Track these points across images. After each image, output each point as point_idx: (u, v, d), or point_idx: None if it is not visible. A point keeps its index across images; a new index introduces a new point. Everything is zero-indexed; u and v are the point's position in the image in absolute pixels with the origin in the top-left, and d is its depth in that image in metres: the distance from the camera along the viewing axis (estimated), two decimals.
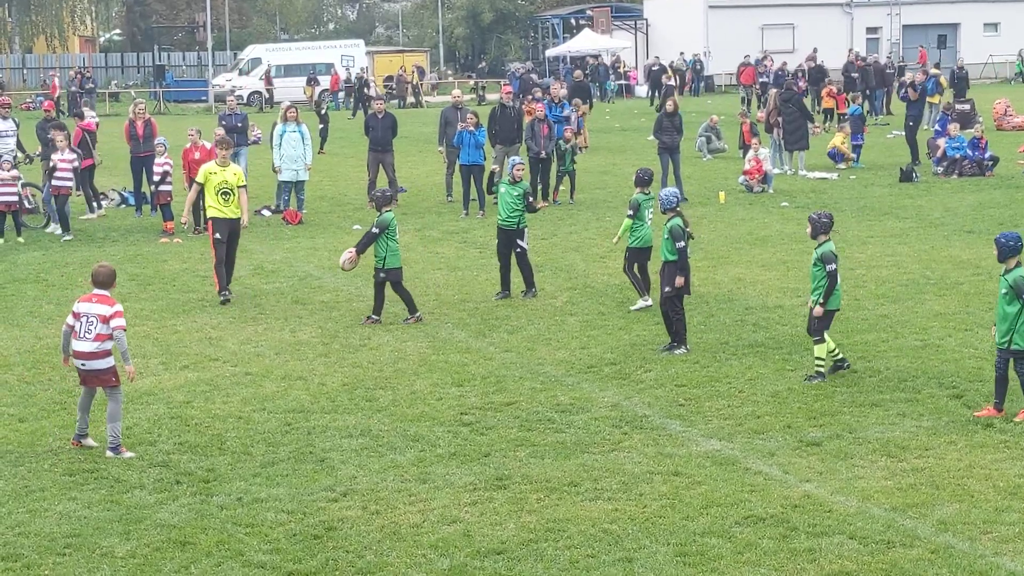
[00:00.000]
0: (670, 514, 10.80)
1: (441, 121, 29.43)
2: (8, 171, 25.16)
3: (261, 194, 30.02)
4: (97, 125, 30.53)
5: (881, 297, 18.71)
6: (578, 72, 47.44)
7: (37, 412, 14.05)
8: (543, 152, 28.55)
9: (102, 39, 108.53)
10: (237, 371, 15.60)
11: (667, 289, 15.92)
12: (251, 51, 76.90)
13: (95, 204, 28.42)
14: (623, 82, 72.04)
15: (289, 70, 71.53)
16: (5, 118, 28.27)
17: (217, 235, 19.33)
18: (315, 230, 26.06)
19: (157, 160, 26.51)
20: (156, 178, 26.24)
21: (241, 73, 72.84)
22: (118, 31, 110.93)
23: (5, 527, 10.81)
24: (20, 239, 25.21)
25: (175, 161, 26.82)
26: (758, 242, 23.46)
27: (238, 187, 19.51)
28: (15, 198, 25.38)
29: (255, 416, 13.78)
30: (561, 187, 29.47)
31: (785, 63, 58.38)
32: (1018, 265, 13.03)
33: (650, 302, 17.97)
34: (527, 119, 29.87)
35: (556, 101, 34.02)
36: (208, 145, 26.29)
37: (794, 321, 17.12)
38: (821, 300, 14.52)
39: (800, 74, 52.38)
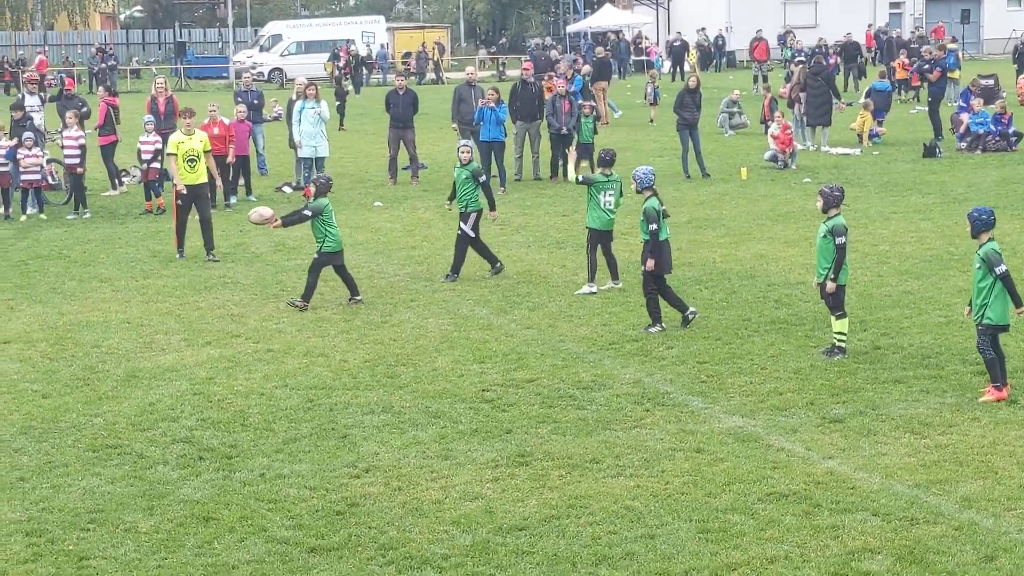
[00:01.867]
0: (692, 491, 10.79)
1: (455, 98, 29.36)
2: (31, 148, 25.22)
3: (282, 171, 30.04)
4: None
5: (904, 273, 18.64)
6: (600, 48, 47.28)
7: (60, 388, 14.09)
8: (564, 128, 28.48)
9: (123, 16, 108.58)
10: (259, 348, 15.62)
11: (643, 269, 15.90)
12: (271, 27, 76.86)
13: (117, 181, 28.45)
14: (644, 58, 71.80)
15: (310, 46, 71.45)
16: (32, 94, 28.32)
17: (179, 201, 20.77)
18: (336, 207, 25.74)
19: (143, 138, 26.02)
20: (147, 156, 25.83)
21: (262, 50, 72.84)
22: (139, 8, 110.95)
23: (29, 502, 10.85)
24: (42, 216, 25.28)
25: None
26: (780, 218, 23.38)
27: (204, 152, 20.93)
28: (38, 175, 25.44)
29: (277, 392, 13.80)
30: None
31: (822, 39, 58.10)
32: (990, 240, 13.04)
33: (595, 289, 17.83)
34: (548, 95, 29.80)
35: (568, 77, 33.92)
36: (227, 121, 26.30)
37: (817, 297, 17.02)
38: (832, 276, 14.47)
39: (833, 50, 52.21)
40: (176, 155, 20.78)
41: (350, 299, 17.65)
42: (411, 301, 17.81)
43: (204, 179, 20.96)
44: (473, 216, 18.94)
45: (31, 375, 14.64)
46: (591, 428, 12.45)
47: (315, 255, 17.65)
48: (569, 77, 34.17)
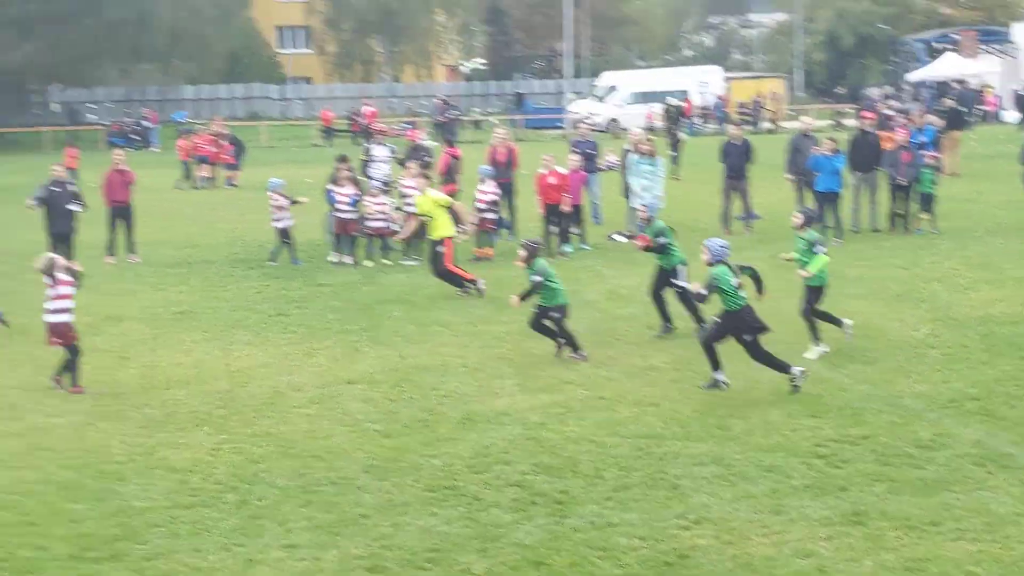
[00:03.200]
0: None
1: (790, 148, 29.09)
2: (376, 196, 26.28)
3: (616, 219, 30.33)
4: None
5: None
6: (948, 100, 45.91)
7: (400, 428, 14.58)
8: (902, 180, 27.78)
9: (466, 68, 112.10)
10: (590, 395, 15.78)
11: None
12: (607, 78, 77.83)
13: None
14: (985, 108, 69.41)
15: (646, 96, 72.05)
16: (381, 144, 29.58)
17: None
18: None
19: (480, 187, 26.81)
20: (481, 205, 26.37)
21: (598, 100, 73.84)
22: (482, 60, 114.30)
23: (371, 539, 11.25)
24: (386, 261, 26.28)
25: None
26: None
27: (438, 208, 22.74)
28: (384, 223, 26.48)
29: (608, 440, 13.90)
30: (922, 216, 28.59)
31: None
32: None
33: (827, 348, 17.28)
34: (888, 146, 29.15)
35: (920, 126, 33.13)
36: (562, 171, 26.76)
37: None
38: None
39: None
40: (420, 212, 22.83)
41: (570, 353, 17.68)
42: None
43: (449, 232, 22.67)
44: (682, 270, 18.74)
45: (373, 415, 15.20)
46: (930, 488, 12.05)
47: (550, 313, 17.83)
48: (920, 127, 33.41)
